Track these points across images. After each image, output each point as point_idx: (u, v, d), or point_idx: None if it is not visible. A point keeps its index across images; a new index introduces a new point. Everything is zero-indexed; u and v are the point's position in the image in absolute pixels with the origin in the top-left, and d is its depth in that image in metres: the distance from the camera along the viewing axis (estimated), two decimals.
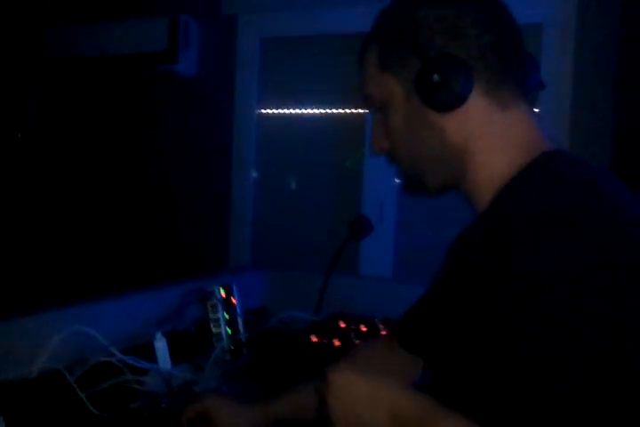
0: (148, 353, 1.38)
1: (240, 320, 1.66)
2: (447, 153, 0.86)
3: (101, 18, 3.02)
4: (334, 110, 2.73)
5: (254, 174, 2.82)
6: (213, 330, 1.62)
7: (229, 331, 1.63)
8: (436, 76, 0.81)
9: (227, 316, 1.64)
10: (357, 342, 1.41)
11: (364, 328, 1.51)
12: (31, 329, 1.24)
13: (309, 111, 2.78)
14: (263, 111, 2.85)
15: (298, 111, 2.80)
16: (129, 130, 3.03)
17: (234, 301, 1.68)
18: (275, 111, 2.85)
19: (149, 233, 2.79)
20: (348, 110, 2.70)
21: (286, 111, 2.83)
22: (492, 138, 0.84)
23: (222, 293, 1.66)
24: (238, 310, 1.67)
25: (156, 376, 1.33)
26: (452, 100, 0.82)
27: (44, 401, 1.16)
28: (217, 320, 1.63)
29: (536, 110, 0.94)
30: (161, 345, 1.40)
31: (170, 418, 1.17)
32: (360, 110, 2.65)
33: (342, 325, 1.54)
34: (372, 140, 0.93)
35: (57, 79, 3.19)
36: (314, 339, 1.43)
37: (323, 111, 2.75)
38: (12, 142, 3.37)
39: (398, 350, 1.09)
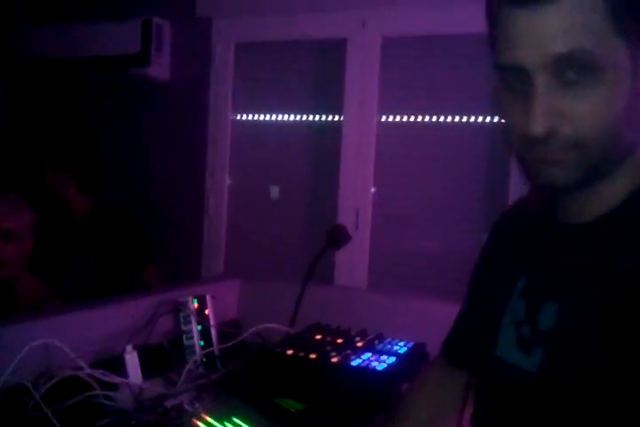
0: (118, 367, 1.33)
1: (213, 332, 1.62)
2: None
3: (74, 19, 2.96)
4: (309, 117, 2.71)
5: (228, 181, 2.78)
6: (186, 342, 1.58)
7: (202, 343, 1.59)
8: None
9: (199, 328, 1.60)
10: (333, 355, 1.38)
11: (340, 341, 1.48)
12: None
13: (284, 118, 2.76)
14: (238, 117, 2.82)
15: (273, 118, 2.77)
16: (99, 134, 2.97)
17: (207, 312, 1.64)
18: (249, 117, 2.81)
19: None
20: (323, 117, 2.68)
21: (261, 117, 2.80)
22: None
23: (195, 304, 1.62)
24: (212, 321, 1.63)
25: (126, 391, 1.29)
26: None
27: (9, 417, 1.11)
28: (189, 332, 1.58)
29: None
30: (131, 358, 1.35)
31: None
32: (335, 117, 2.64)
33: (318, 337, 1.51)
34: (541, 111, 0.70)
35: (27, 80, 3.12)
36: (290, 352, 1.39)
37: (298, 118, 2.73)
38: None
39: (452, 371, 1.05)
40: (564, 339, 0.76)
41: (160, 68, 2.85)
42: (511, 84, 0.74)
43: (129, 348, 1.37)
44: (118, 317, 1.47)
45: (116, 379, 1.29)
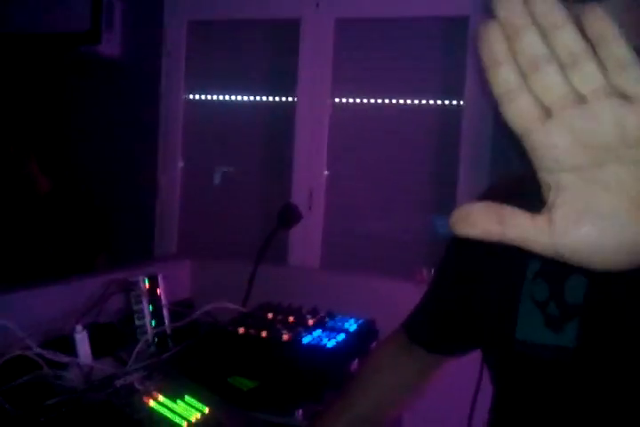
0: (68, 347, 1.33)
1: (165, 312, 1.62)
2: None
3: None
4: (263, 98, 2.70)
5: (181, 162, 2.76)
6: (137, 322, 1.57)
7: (154, 323, 1.59)
8: None
9: (151, 307, 1.60)
10: (284, 332, 1.40)
11: (291, 319, 1.50)
12: None
13: (238, 98, 2.74)
14: (190, 97, 2.79)
15: (226, 98, 2.75)
16: (49, 113, 2.91)
17: (159, 291, 1.64)
18: (202, 97, 2.79)
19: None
20: (277, 98, 2.68)
21: (214, 98, 2.77)
22: None
23: (147, 283, 1.62)
24: (163, 301, 1.63)
25: (76, 370, 1.28)
26: None
27: None
28: (141, 312, 1.58)
29: None
30: (81, 338, 1.35)
31: (89, 414, 1.12)
32: (289, 98, 2.63)
33: (270, 316, 1.52)
34: None
35: None
36: (241, 330, 1.41)
37: (252, 99, 2.72)
38: None
39: (413, 350, 1.03)
40: (597, 309, 0.77)
41: (111, 46, 2.79)
42: None
43: (78, 327, 1.36)
44: (68, 296, 1.46)
45: (65, 358, 1.29)
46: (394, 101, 2.50)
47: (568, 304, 0.80)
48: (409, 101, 2.48)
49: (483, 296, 0.92)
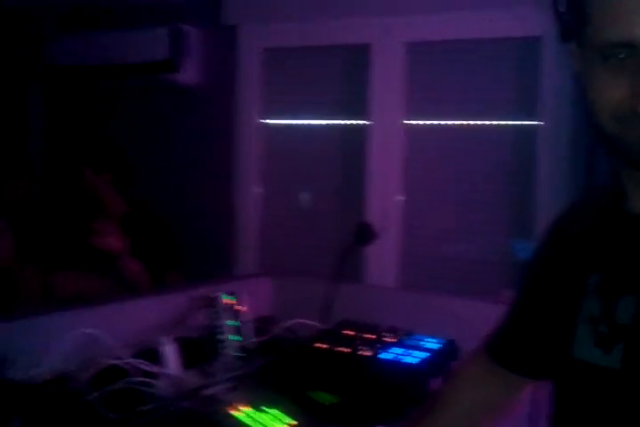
0: (157, 358, 1.38)
1: (247, 327, 1.65)
2: None
3: (105, 27, 3.03)
4: (336, 121, 2.75)
5: (256, 185, 2.82)
6: (219, 337, 1.61)
7: (236, 338, 1.62)
8: None
9: (233, 323, 1.64)
10: (364, 349, 1.41)
11: (370, 336, 1.51)
12: (43, 330, 1.23)
13: (311, 122, 2.80)
14: (265, 121, 2.86)
15: (300, 122, 2.82)
16: (130, 139, 3.04)
17: (240, 308, 1.67)
18: (277, 122, 2.86)
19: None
20: (349, 121, 2.73)
21: (288, 122, 2.84)
22: None
23: (228, 299, 1.66)
24: (245, 317, 1.67)
25: (165, 381, 1.33)
26: None
27: (55, 403, 1.16)
28: (221, 327, 1.62)
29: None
30: (169, 350, 1.40)
31: (180, 422, 1.16)
32: (360, 122, 2.68)
33: (348, 332, 1.54)
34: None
35: (61, 87, 3.20)
36: (322, 346, 1.43)
37: (325, 122, 2.77)
38: (18, 152, 3.36)
39: (496, 371, 1.03)
40: None
41: (188, 74, 2.91)
42: (609, 60, 0.73)
43: (167, 339, 1.41)
44: (156, 310, 1.52)
45: (155, 369, 1.33)
46: (468, 122, 2.51)
47: (618, 324, 0.78)
48: (483, 122, 2.48)
49: (548, 312, 0.92)
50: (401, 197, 2.55)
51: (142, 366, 1.32)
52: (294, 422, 1.26)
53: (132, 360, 1.31)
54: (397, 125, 2.59)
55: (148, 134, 3.03)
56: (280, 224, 2.79)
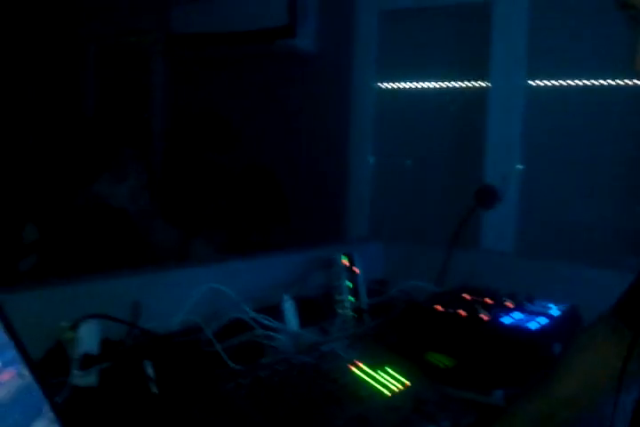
0: (277, 314, 1.42)
1: (362, 288, 1.67)
2: None
3: None
4: (455, 84, 2.68)
5: (372, 149, 2.81)
6: (336, 297, 1.64)
7: (352, 298, 1.65)
8: None
9: (349, 284, 1.66)
10: (483, 313, 1.39)
11: (489, 301, 1.48)
12: (174, 283, 1.30)
13: (428, 85, 2.74)
14: (382, 85, 2.83)
15: (417, 85, 2.77)
16: (246, 106, 3.11)
17: (356, 269, 1.70)
18: (394, 85, 2.83)
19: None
20: (468, 83, 2.64)
21: (405, 85, 2.80)
22: None
23: (345, 261, 1.68)
24: (360, 278, 1.68)
25: (285, 336, 1.37)
26: None
27: (184, 351, 1.22)
28: (339, 288, 1.65)
29: None
30: (289, 307, 1.44)
31: (301, 374, 1.20)
32: (481, 83, 2.59)
33: (466, 296, 1.52)
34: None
35: (182, 55, 3.31)
36: (438, 307, 1.42)
37: (443, 85, 2.71)
38: (139, 122, 3.54)
39: (623, 334, 1.00)
40: None
41: (305, 40, 2.92)
42: None
43: (287, 297, 1.45)
44: (277, 269, 1.56)
45: (277, 324, 1.38)
46: (594, 83, 2.36)
47: None
48: (607, 82, 2.32)
49: None
50: (520, 166, 2.46)
51: (264, 321, 1.37)
52: (409, 383, 1.27)
53: (254, 315, 1.36)
54: (520, 87, 2.48)
55: (264, 101, 3.08)
56: (393, 189, 2.77)
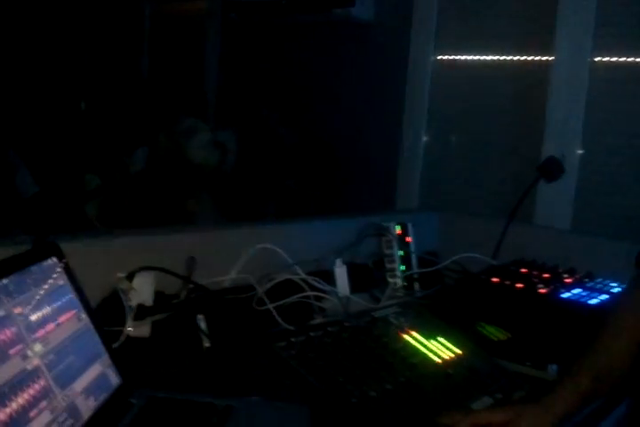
0: (329, 278, 1.41)
1: (414, 258, 1.64)
2: None
3: None
4: (515, 57, 2.60)
5: (426, 120, 2.76)
6: (387, 266, 1.62)
7: (403, 267, 1.62)
8: None
9: (401, 253, 1.64)
10: (541, 286, 1.35)
11: (547, 275, 1.44)
12: (229, 242, 1.30)
13: (488, 58, 2.66)
14: (440, 58, 2.77)
15: (476, 58, 2.69)
16: (303, 75, 3.07)
17: (408, 239, 1.67)
18: (452, 58, 2.75)
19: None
20: (529, 57, 2.56)
21: (464, 58, 2.73)
22: None
23: (398, 229, 1.66)
24: (412, 248, 1.66)
25: (336, 299, 1.36)
26: None
27: (236, 308, 1.22)
28: (391, 256, 1.63)
29: None
30: (340, 271, 1.42)
31: (353, 337, 1.18)
32: (543, 57, 2.50)
33: (523, 270, 1.48)
34: None
35: (236, 25, 3.29)
36: (494, 279, 1.38)
37: (502, 58, 2.63)
38: (193, 94, 3.54)
39: None
40: None
41: (363, 9, 2.86)
42: None
43: (339, 262, 1.44)
44: (331, 232, 1.54)
45: (327, 287, 1.37)
46: None
47: None
48: None
49: None
50: (579, 147, 2.38)
51: (315, 284, 1.35)
52: (460, 352, 1.25)
53: (306, 276, 1.35)
54: (584, 63, 2.39)
55: (321, 70, 3.04)
56: (447, 160, 2.71)
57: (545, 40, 2.47)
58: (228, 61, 3.40)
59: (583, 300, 1.29)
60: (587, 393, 0.99)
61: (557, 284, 1.37)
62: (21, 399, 0.72)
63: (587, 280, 1.43)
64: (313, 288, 1.35)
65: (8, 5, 3.42)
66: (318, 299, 1.33)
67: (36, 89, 3.42)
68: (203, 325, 1.13)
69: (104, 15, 3.83)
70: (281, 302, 1.26)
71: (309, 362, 1.07)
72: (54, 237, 0.91)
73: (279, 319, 1.22)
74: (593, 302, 1.28)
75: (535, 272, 1.46)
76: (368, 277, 1.55)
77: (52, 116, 3.25)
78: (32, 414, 0.73)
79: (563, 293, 1.32)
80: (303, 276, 1.35)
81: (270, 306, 1.23)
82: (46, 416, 0.75)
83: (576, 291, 1.34)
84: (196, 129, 2.29)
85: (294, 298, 1.29)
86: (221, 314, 1.18)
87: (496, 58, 2.64)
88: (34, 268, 0.84)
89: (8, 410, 0.69)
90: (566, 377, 1.02)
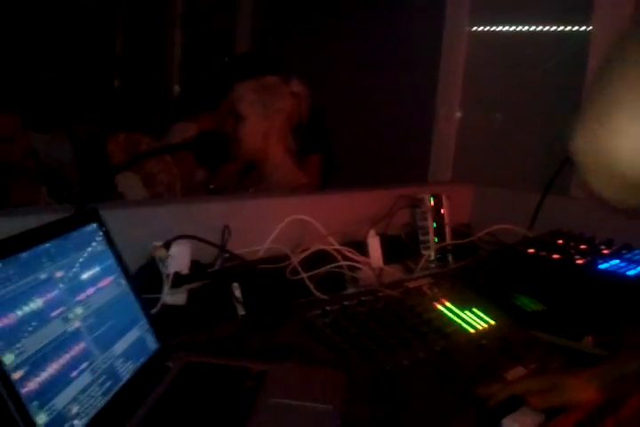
0: (362, 249, 1.41)
1: (447, 230, 1.64)
2: None
3: None
4: (554, 27, 2.53)
5: (461, 96, 2.71)
6: (421, 237, 1.62)
7: (436, 239, 1.62)
8: None
9: (434, 224, 1.63)
10: (578, 257, 1.33)
11: (584, 246, 1.42)
12: (263, 213, 1.31)
13: (525, 29, 2.60)
14: (475, 29, 2.71)
15: (513, 29, 2.63)
16: (333, 47, 3.04)
17: (442, 211, 1.66)
18: (488, 29, 2.70)
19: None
20: (569, 27, 2.49)
21: (500, 29, 2.67)
22: None
23: (432, 202, 1.65)
24: (446, 219, 1.65)
25: (369, 270, 1.36)
26: None
27: (270, 278, 1.23)
28: (425, 228, 1.62)
29: None
30: (374, 242, 1.42)
31: (387, 307, 1.19)
32: (583, 27, 2.43)
33: (560, 241, 1.46)
34: None
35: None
36: (530, 251, 1.37)
37: (541, 29, 2.56)
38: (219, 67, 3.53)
39: None
40: None
41: None
42: None
43: (372, 232, 1.44)
44: (364, 204, 1.54)
45: (361, 258, 1.37)
46: None
47: None
48: None
49: None
50: None
51: (349, 254, 1.36)
52: (493, 323, 1.24)
53: (339, 247, 1.35)
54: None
55: (353, 43, 3.01)
56: (482, 134, 2.67)
57: (584, 9, 2.40)
58: (260, 39, 3.39)
59: (621, 271, 1.27)
60: (629, 376, 0.97)
61: (595, 255, 1.36)
62: (63, 360, 0.74)
63: (624, 252, 1.41)
64: (346, 258, 1.35)
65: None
66: (352, 269, 1.34)
67: None
68: (238, 293, 1.14)
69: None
70: (314, 272, 1.27)
71: (343, 330, 1.08)
72: (95, 204, 0.93)
73: (313, 289, 1.23)
74: (631, 273, 1.26)
75: (572, 243, 1.44)
76: (401, 248, 1.55)
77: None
78: (73, 374, 0.75)
79: (600, 264, 1.30)
80: (337, 246, 1.35)
81: (304, 275, 1.24)
82: (87, 377, 0.77)
83: (614, 262, 1.32)
84: None
85: (328, 268, 1.30)
86: (256, 283, 1.19)
87: (533, 28, 2.58)
88: (75, 233, 0.85)
89: (50, 370, 0.71)
90: (619, 353, 1.00)
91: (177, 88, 3.82)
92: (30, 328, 0.70)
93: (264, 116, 1.92)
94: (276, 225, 1.32)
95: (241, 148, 1.91)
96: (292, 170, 1.85)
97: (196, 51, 3.75)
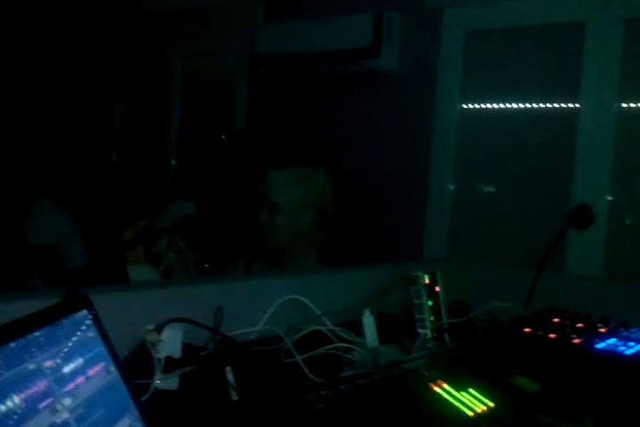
0: (356, 329, 1.39)
1: (443, 308, 1.62)
2: None
3: (308, 15, 3.13)
4: (541, 105, 2.61)
5: (453, 167, 2.76)
6: (416, 316, 1.60)
7: (432, 318, 1.60)
8: None
9: (430, 302, 1.62)
10: (574, 337, 1.32)
11: (580, 325, 1.41)
12: (255, 294, 1.30)
13: (515, 106, 2.68)
14: (465, 106, 2.80)
15: (502, 106, 2.71)
16: (329, 125, 3.13)
17: (437, 288, 1.65)
18: (478, 106, 2.78)
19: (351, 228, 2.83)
20: (556, 105, 2.57)
21: (490, 106, 2.75)
22: None
23: (426, 279, 1.64)
24: (442, 297, 1.64)
25: (364, 351, 1.34)
26: None
27: (263, 360, 1.21)
28: (420, 306, 1.61)
29: None
30: (369, 322, 1.41)
31: (383, 390, 1.16)
32: (570, 105, 2.51)
33: (555, 320, 1.45)
34: None
35: (262, 77, 3.37)
36: (526, 329, 1.36)
37: (529, 106, 2.64)
38: (217, 143, 3.62)
39: None
40: None
41: (389, 60, 2.92)
42: None
43: (367, 312, 1.42)
44: (357, 283, 1.53)
45: (356, 338, 1.35)
46: None
47: None
48: None
49: None
50: (609, 197, 2.36)
51: (344, 335, 1.34)
52: (492, 405, 1.22)
53: (333, 328, 1.34)
54: (612, 109, 2.39)
55: (347, 120, 3.09)
56: (474, 208, 2.71)
57: (571, 88, 2.48)
58: (257, 113, 3.47)
59: (619, 350, 1.25)
60: None
61: (591, 333, 1.34)
62: None
63: (621, 330, 1.39)
64: (341, 339, 1.33)
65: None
66: (347, 351, 1.32)
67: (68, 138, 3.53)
68: (230, 377, 1.12)
69: (136, 70, 3.97)
70: (309, 354, 1.25)
71: (339, 416, 1.05)
72: (86, 288, 0.92)
73: (307, 372, 1.21)
74: (629, 351, 1.24)
75: (568, 322, 1.43)
76: (397, 327, 1.53)
77: (85, 168, 3.34)
78: None
79: (597, 343, 1.29)
80: (331, 327, 1.34)
81: (298, 358, 1.22)
82: None
83: (611, 341, 1.31)
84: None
85: (322, 350, 1.28)
86: (249, 366, 1.17)
87: (522, 106, 2.66)
88: (65, 320, 0.85)
89: None
90: None
91: (174, 162, 3.89)
92: (16, 421, 0.68)
93: (299, 210, 1.98)
94: (268, 306, 1.31)
95: (274, 238, 1.95)
96: (313, 263, 1.89)
97: (193, 127, 3.84)
